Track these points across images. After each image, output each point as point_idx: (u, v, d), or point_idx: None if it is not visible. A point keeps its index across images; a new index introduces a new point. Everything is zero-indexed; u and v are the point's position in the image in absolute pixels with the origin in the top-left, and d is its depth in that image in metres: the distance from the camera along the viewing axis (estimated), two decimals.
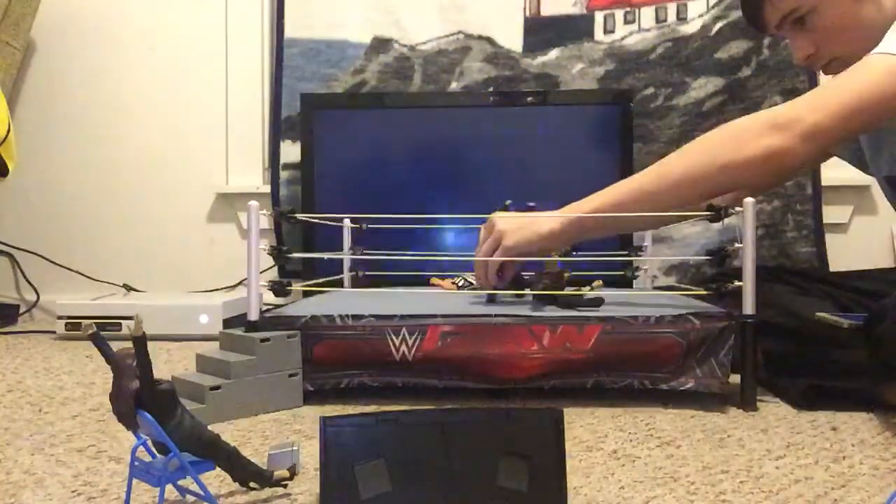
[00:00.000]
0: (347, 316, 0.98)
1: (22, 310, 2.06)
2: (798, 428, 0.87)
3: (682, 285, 1.22)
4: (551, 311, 1.01)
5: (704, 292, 1.05)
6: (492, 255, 1.07)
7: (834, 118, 0.97)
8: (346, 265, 1.39)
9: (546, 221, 1.06)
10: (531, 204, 1.15)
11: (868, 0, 1.08)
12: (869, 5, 1.08)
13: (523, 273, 1.14)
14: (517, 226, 1.06)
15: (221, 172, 2.06)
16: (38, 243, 2.08)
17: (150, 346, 0.55)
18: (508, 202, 1.15)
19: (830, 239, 1.85)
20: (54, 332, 1.67)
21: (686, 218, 1.07)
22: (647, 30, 1.93)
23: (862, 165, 1.32)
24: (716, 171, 1.00)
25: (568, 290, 1.08)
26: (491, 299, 1.11)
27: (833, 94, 0.98)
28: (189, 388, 0.91)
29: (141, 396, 0.54)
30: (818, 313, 0.99)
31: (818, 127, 0.97)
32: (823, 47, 1.11)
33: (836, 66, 1.13)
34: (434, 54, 1.97)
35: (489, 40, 1.97)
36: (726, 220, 1.04)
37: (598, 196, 1.06)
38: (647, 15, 1.93)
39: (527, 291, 1.12)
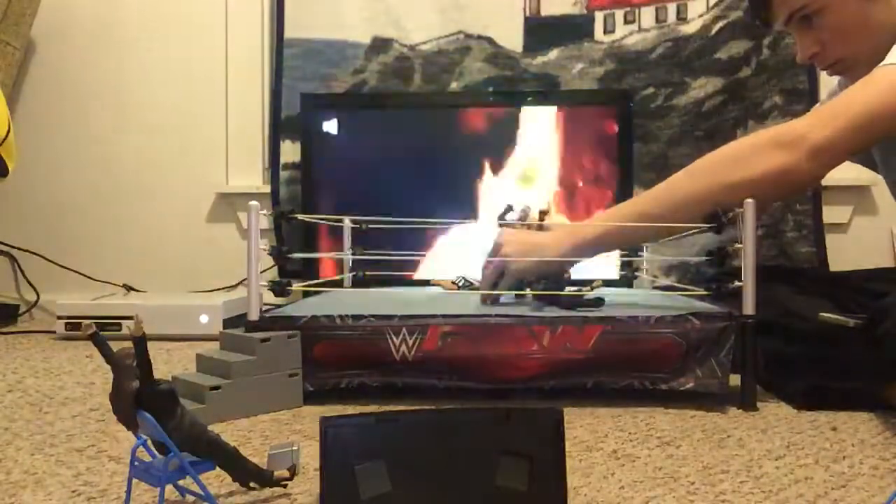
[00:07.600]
0: (347, 316, 0.98)
1: (22, 310, 2.06)
2: (798, 428, 0.86)
3: (682, 285, 1.22)
4: (551, 311, 1.01)
5: (704, 292, 1.05)
6: (495, 277, 1.08)
7: (839, 134, 0.96)
8: (347, 265, 1.39)
9: (550, 249, 1.07)
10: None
11: (878, 2, 1.06)
12: (879, 8, 1.06)
13: None
14: (522, 252, 1.07)
15: (221, 172, 2.06)
16: (38, 243, 2.08)
17: (150, 346, 0.55)
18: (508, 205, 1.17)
19: (830, 239, 1.85)
20: (54, 332, 1.67)
21: (688, 231, 1.04)
22: (647, 30, 1.93)
23: (872, 166, 1.30)
24: (722, 191, 0.99)
25: (568, 291, 1.08)
26: (494, 300, 1.11)
27: (838, 111, 0.97)
28: (189, 388, 0.91)
29: (141, 396, 0.54)
30: (822, 313, 0.99)
31: (824, 144, 0.96)
32: (829, 47, 1.09)
33: (841, 67, 1.12)
34: (434, 54, 1.97)
35: (489, 40, 1.97)
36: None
37: (601, 219, 1.06)
38: (647, 15, 1.93)
39: (527, 291, 1.12)
